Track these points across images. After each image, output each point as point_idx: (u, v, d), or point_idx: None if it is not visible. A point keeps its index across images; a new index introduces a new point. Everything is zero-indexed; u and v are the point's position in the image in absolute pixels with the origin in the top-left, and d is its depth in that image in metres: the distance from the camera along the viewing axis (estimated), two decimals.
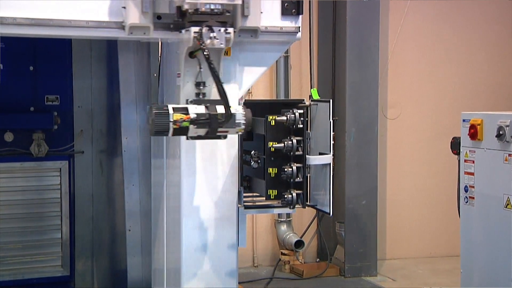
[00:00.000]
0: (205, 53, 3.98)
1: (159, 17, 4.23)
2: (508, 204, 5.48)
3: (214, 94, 4.20)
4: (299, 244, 8.20)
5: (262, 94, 8.32)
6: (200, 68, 4.22)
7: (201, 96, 4.26)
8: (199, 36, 4.00)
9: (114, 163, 6.21)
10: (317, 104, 4.81)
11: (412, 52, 8.88)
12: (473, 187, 5.88)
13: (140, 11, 4.12)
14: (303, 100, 4.89)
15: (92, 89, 6.20)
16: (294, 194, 4.63)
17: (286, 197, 4.63)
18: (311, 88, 5.24)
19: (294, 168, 4.60)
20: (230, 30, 4.10)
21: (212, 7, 4.07)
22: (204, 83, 4.26)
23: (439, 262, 8.71)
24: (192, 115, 4.03)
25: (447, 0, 8.92)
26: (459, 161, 6.05)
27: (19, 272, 5.99)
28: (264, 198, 4.73)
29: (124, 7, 4.15)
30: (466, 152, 5.94)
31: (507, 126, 5.47)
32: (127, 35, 4.19)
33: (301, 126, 4.62)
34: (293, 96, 8.27)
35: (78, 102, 6.16)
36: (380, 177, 8.34)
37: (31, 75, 5.96)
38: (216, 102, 4.11)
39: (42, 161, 5.98)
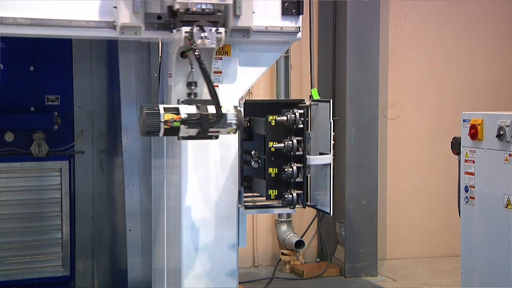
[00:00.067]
0: (196, 53, 3.98)
1: (159, 17, 4.24)
2: (509, 204, 5.48)
3: (205, 94, 4.19)
4: (299, 244, 8.20)
5: (262, 94, 8.32)
6: (192, 68, 4.22)
7: (192, 96, 4.25)
8: (190, 36, 4.00)
9: (114, 163, 6.21)
10: (317, 104, 4.81)
11: (412, 52, 8.88)
12: (474, 187, 5.89)
13: (132, 11, 4.11)
14: (304, 100, 4.88)
15: (93, 89, 6.20)
16: (295, 194, 4.63)
17: (286, 197, 4.63)
18: (311, 88, 5.25)
19: (295, 168, 4.60)
20: (222, 30, 4.10)
21: (203, 6, 4.06)
22: (195, 83, 4.25)
23: (440, 262, 8.71)
24: (183, 115, 4.02)
25: (447, 0, 8.92)
26: (459, 161, 6.05)
27: (19, 272, 5.99)
28: (265, 198, 4.73)
29: (116, 7, 4.15)
30: (467, 152, 5.94)
31: (507, 126, 5.47)
32: (118, 35, 4.19)
33: (302, 126, 4.62)
34: (294, 96, 8.27)
35: (78, 102, 6.15)
36: (380, 177, 8.34)
37: (31, 75, 5.96)
38: (207, 102, 4.10)
39: (43, 161, 5.98)
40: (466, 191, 5.96)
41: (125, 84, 5.67)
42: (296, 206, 4.68)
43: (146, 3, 4.15)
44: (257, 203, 4.90)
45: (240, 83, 4.66)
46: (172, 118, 4.00)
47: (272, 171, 4.66)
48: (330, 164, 4.67)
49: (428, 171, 8.96)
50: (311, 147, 4.76)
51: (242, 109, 4.64)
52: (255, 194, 4.93)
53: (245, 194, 4.79)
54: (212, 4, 4.09)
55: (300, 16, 4.63)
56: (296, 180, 4.61)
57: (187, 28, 4.01)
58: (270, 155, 4.65)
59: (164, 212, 5.07)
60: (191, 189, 4.63)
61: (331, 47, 8.26)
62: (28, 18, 4.10)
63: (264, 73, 4.79)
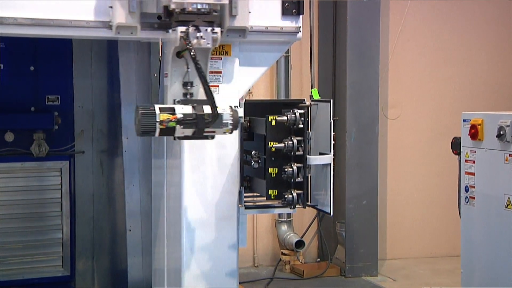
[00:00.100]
0: (191, 53, 3.97)
1: (159, 17, 4.24)
2: (509, 204, 5.48)
3: (201, 94, 4.18)
4: (299, 244, 8.20)
5: (262, 94, 8.32)
6: (188, 68, 4.21)
7: (188, 96, 4.25)
8: (186, 36, 3.99)
9: (114, 163, 6.21)
10: (317, 104, 4.81)
11: (412, 52, 8.88)
12: (474, 187, 5.89)
13: (127, 11, 4.10)
14: (304, 100, 4.88)
15: (93, 89, 6.20)
16: (295, 194, 4.63)
17: (286, 197, 4.63)
18: (311, 88, 5.27)
19: (295, 168, 4.60)
20: (217, 30, 4.09)
21: (199, 6, 4.06)
22: (191, 83, 4.25)
23: (440, 262, 8.71)
24: (179, 115, 4.01)
25: (447, 0, 8.92)
26: (459, 161, 6.05)
27: (19, 272, 5.99)
28: (265, 198, 4.73)
29: (111, 7, 4.15)
30: (467, 152, 5.94)
31: (507, 126, 5.47)
32: (114, 35, 4.18)
33: (302, 126, 4.62)
34: (294, 96, 8.27)
35: (78, 102, 6.15)
36: (380, 177, 8.34)
37: (31, 75, 5.96)
38: (203, 102, 4.09)
39: (43, 161, 5.98)
40: (466, 191, 5.96)
41: (125, 84, 5.68)
42: (296, 206, 4.68)
43: (142, 3, 4.15)
44: (257, 203, 4.90)
45: (240, 83, 4.65)
46: (168, 118, 3.99)
47: (272, 171, 4.66)
48: (330, 164, 4.67)
49: (428, 171, 8.96)
50: (311, 147, 4.76)
51: (242, 109, 4.66)
52: (255, 194, 4.93)
53: (245, 194, 4.79)
54: (208, 4, 4.08)
55: (300, 16, 4.63)
56: (296, 180, 4.61)
57: (183, 28, 4.01)
58: (270, 155, 4.65)
59: (164, 212, 5.07)
60: (191, 189, 4.63)
61: (331, 47, 8.26)
62: (29, 18, 4.10)
63: (264, 73, 4.79)
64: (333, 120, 4.68)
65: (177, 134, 4.06)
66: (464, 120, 5.95)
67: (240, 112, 4.64)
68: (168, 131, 4.02)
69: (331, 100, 4.71)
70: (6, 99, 5.84)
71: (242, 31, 4.38)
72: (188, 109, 4.06)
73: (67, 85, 6.08)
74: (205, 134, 4.13)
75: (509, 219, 5.48)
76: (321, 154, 4.71)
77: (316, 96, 4.93)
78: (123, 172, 5.82)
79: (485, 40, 9.15)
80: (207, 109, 4.05)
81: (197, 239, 4.66)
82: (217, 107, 4.04)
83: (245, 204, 4.77)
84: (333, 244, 8.41)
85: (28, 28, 4.13)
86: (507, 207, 5.51)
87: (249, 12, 4.37)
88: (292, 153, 4.61)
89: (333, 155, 4.71)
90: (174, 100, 4.22)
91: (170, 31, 4.15)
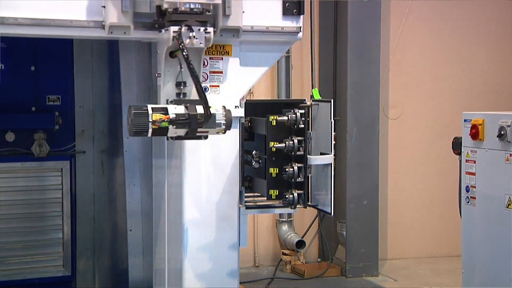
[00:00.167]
0: (184, 53, 3.96)
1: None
2: (510, 204, 5.48)
3: (194, 94, 4.17)
4: (300, 244, 8.20)
5: (263, 94, 8.32)
6: (181, 68, 4.21)
7: (181, 96, 4.24)
8: (178, 36, 3.99)
9: (115, 163, 6.21)
10: (318, 104, 4.81)
11: (413, 52, 8.88)
12: (475, 187, 5.88)
13: (120, 10, 4.10)
14: (304, 100, 4.89)
15: (94, 89, 6.20)
16: (295, 194, 4.63)
17: (287, 197, 4.63)
18: (312, 88, 5.25)
19: (295, 168, 4.60)
20: (210, 29, 4.09)
21: (192, 6, 4.05)
22: (185, 83, 4.24)
23: (441, 262, 8.71)
24: (172, 115, 4.01)
25: (447, 0, 8.92)
26: (460, 161, 6.05)
27: (20, 272, 5.99)
28: (265, 198, 4.74)
29: (104, 7, 4.15)
30: (468, 152, 5.94)
31: (508, 126, 5.47)
32: (107, 35, 4.18)
33: (302, 126, 4.62)
34: (294, 96, 8.27)
35: (79, 102, 6.16)
36: (381, 177, 8.33)
37: (32, 75, 5.97)
38: (196, 102, 4.09)
39: (44, 161, 5.98)
40: (467, 191, 5.96)
41: (126, 84, 5.67)
42: (297, 206, 4.68)
43: (135, 3, 4.14)
44: (258, 203, 4.90)
45: (241, 83, 4.65)
46: (160, 118, 3.98)
47: (273, 171, 4.66)
48: (331, 164, 4.67)
49: (429, 171, 8.96)
50: (312, 147, 4.76)
51: (243, 109, 4.65)
52: (256, 194, 4.94)
53: (246, 194, 4.80)
54: (201, 3, 4.08)
55: (301, 16, 4.64)
56: (297, 180, 4.61)
57: (175, 28, 4.00)
58: (271, 155, 4.65)
59: (165, 212, 5.07)
60: (192, 189, 4.63)
61: (332, 47, 8.26)
62: (29, 18, 4.10)
63: (265, 73, 4.79)
64: (334, 120, 4.68)
65: (169, 134, 4.05)
66: (465, 120, 5.95)
67: (241, 112, 4.64)
68: (160, 131, 4.01)
69: (332, 100, 4.71)
70: (7, 99, 5.85)
71: (236, 31, 4.38)
72: (181, 109, 4.05)
73: (68, 85, 6.09)
74: (198, 134, 4.12)
75: (510, 219, 5.47)
76: (321, 154, 4.71)
77: (317, 96, 4.92)
78: (123, 172, 5.82)
79: (485, 40, 9.15)
80: (200, 109, 4.04)
81: (198, 239, 4.66)
82: (210, 107, 4.03)
83: (246, 204, 4.77)
84: (334, 244, 8.41)
85: (28, 28, 4.13)
86: (507, 207, 5.50)
87: (243, 12, 4.36)
88: (292, 153, 4.61)
89: (334, 155, 4.71)
90: (167, 100, 4.21)
91: (163, 31, 4.15)
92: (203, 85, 4.49)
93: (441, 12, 8.95)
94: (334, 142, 4.74)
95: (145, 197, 5.77)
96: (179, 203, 4.67)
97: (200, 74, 4.20)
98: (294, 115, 4.61)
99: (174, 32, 4.00)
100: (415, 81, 8.92)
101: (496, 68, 9.20)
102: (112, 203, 6.27)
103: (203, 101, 4.00)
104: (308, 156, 4.63)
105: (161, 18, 4.15)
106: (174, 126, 4.02)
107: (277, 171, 4.66)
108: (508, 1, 9.18)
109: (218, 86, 4.58)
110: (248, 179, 4.92)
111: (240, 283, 4.88)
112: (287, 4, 4.57)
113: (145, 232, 5.80)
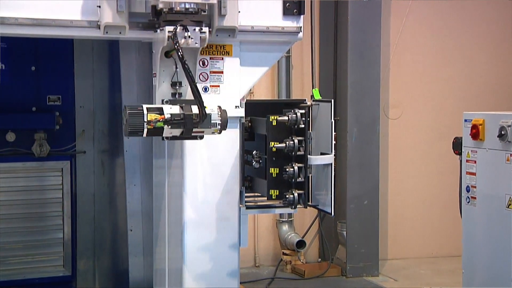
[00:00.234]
0: (179, 53, 3.95)
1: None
2: (510, 204, 5.48)
3: (190, 94, 4.16)
4: (300, 244, 8.20)
5: (263, 94, 8.32)
6: (176, 68, 4.20)
7: (177, 96, 4.24)
8: (173, 36, 3.98)
9: (115, 163, 6.21)
10: (318, 104, 4.81)
11: (413, 52, 8.88)
12: (475, 187, 5.88)
13: (115, 10, 4.10)
14: (305, 100, 4.88)
15: (94, 89, 6.20)
16: (296, 194, 4.63)
17: (287, 197, 4.63)
18: (312, 88, 5.26)
19: (296, 168, 4.60)
20: (205, 29, 4.08)
21: (187, 6, 4.04)
22: (180, 83, 4.24)
23: (441, 262, 8.71)
24: (167, 115, 4.00)
25: (448, 0, 8.92)
26: (461, 161, 6.05)
27: (20, 272, 5.99)
28: (266, 198, 4.73)
29: (99, 6, 4.15)
30: (468, 152, 5.94)
31: (509, 126, 5.47)
32: (102, 35, 4.18)
33: (303, 126, 4.62)
34: (295, 96, 8.27)
35: (80, 102, 6.16)
36: (381, 177, 8.34)
37: (33, 75, 5.97)
38: (191, 102, 4.08)
39: (44, 161, 5.98)
40: (468, 191, 5.96)
41: (126, 84, 5.68)
42: (297, 206, 4.68)
43: (130, 3, 4.14)
44: (258, 203, 4.90)
45: (242, 83, 4.65)
46: (156, 118, 3.97)
47: (273, 171, 4.66)
48: (332, 164, 4.67)
49: (430, 171, 8.96)
50: (312, 147, 4.75)
51: (243, 109, 4.65)
52: (256, 194, 4.93)
53: (246, 194, 4.79)
54: (196, 3, 4.07)
55: (302, 16, 4.64)
56: (297, 180, 4.61)
57: (171, 28, 3.99)
58: (271, 155, 4.65)
59: (166, 212, 5.07)
60: (192, 189, 4.63)
61: (332, 47, 8.26)
62: (30, 18, 4.10)
63: (265, 73, 4.79)
64: (334, 120, 4.68)
65: (165, 134, 4.05)
66: (465, 120, 5.95)
67: (241, 112, 4.64)
68: (156, 131, 4.01)
69: (332, 100, 4.71)
70: (8, 99, 5.85)
71: (231, 31, 4.38)
72: (176, 109, 4.05)
73: (68, 85, 6.09)
74: (193, 134, 4.11)
75: (510, 219, 5.47)
76: (322, 154, 4.71)
77: (317, 96, 4.92)
78: (124, 172, 5.82)
79: (485, 40, 9.15)
80: (195, 109, 4.04)
81: (198, 239, 4.66)
82: (205, 107, 4.02)
83: (246, 204, 4.77)
84: (334, 244, 8.41)
85: (28, 28, 4.13)
86: (508, 207, 5.50)
87: (239, 12, 4.36)
88: (293, 153, 4.61)
89: (334, 155, 4.71)
90: (163, 100, 4.21)
91: (158, 30, 4.15)
92: (203, 85, 4.51)
93: (441, 12, 8.95)
94: (335, 142, 4.73)
95: (145, 197, 5.77)
96: (180, 203, 4.67)
97: (195, 74, 4.19)
98: (295, 115, 4.61)
99: (169, 32, 3.99)
100: (415, 81, 8.92)
101: (496, 68, 9.20)
102: (113, 203, 6.27)
103: (198, 101, 3.99)
104: (308, 156, 4.63)
105: (157, 18, 4.14)
106: (169, 126, 4.01)
107: (278, 171, 4.66)
108: (508, 1, 9.18)
109: (219, 86, 4.58)
110: (249, 179, 4.92)
111: (240, 283, 4.88)
112: (287, 4, 4.58)
113: (145, 232, 5.80)
